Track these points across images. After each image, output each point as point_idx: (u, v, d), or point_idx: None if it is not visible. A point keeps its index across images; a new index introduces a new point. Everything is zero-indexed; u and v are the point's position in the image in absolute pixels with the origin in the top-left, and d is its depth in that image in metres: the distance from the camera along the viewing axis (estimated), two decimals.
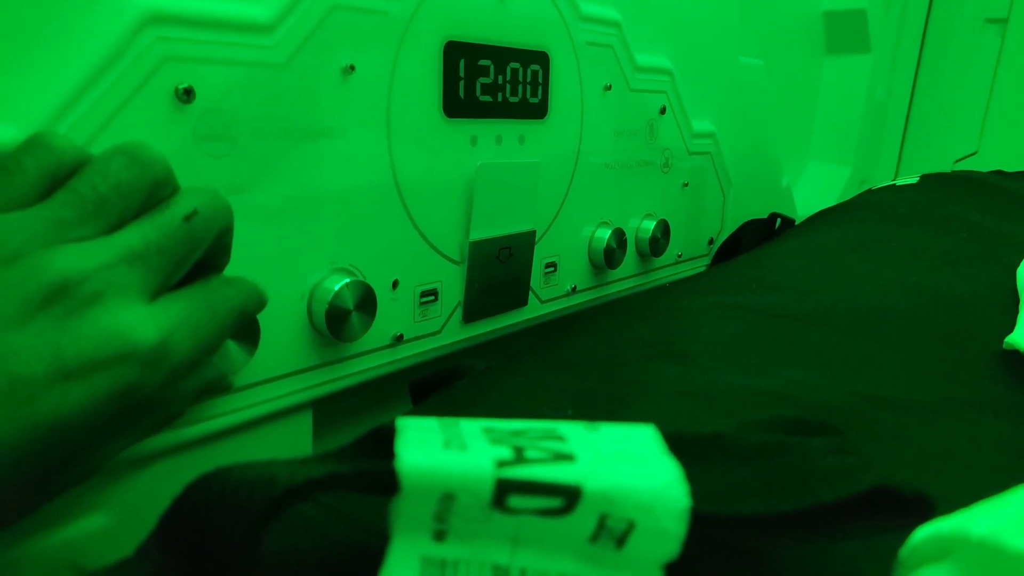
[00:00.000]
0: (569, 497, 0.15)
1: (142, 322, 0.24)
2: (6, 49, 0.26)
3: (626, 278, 0.61)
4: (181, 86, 0.30)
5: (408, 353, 0.43)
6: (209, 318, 0.27)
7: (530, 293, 0.51)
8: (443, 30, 0.41)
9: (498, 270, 0.47)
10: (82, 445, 0.24)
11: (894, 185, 0.66)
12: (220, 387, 0.33)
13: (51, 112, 0.27)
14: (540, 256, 0.51)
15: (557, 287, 0.54)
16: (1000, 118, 1.19)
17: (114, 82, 0.28)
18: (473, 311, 0.47)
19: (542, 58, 0.47)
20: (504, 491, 0.15)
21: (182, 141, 0.31)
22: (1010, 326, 0.34)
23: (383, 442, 0.17)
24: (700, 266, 0.72)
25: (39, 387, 0.22)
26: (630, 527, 0.16)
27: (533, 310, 0.52)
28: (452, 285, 0.45)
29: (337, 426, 0.44)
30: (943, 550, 0.15)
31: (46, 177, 0.24)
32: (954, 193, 0.59)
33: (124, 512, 0.33)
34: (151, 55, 0.29)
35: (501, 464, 0.16)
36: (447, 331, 0.45)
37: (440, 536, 0.16)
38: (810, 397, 0.27)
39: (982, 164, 1.20)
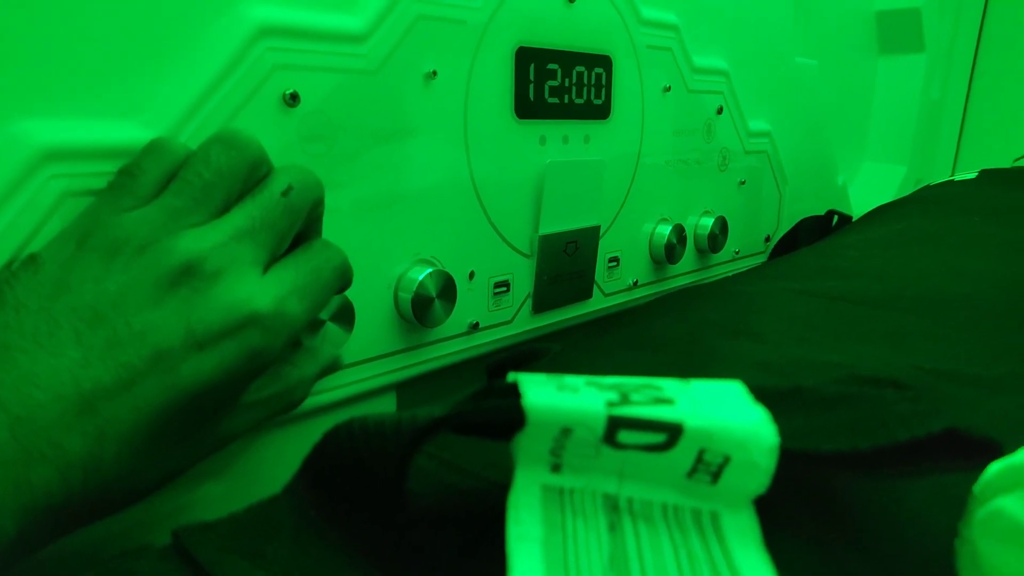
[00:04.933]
0: (672, 433, 0.18)
1: (259, 291, 0.27)
2: (137, 59, 0.30)
3: (685, 273, 0.62)
4: (288, 91, 0.33)
5: (483, 340, 0.46)
6: (315, 279, 0.29)
7: (594, 286, 0.53)
8: (515, 36, 0.43)
9: (565, 263, 0.49)
10: (219, 408, 0.27)
11: (952, 181, 0.66)
12: (333, 368, 0.35)
13: (178, 117, 0.31)
14: (603, 251, 0.53)
15: (619, 281, 0.56)
16: None
17: (231, 88, 0.32)
18: (542, 302, 0.49)
19: (605, 61, 0.50)
20: (615, 426, 0.17)
21: (288, 141, 0.34)
22: None
23: (499, 391, 0.19)
24: (757, 263, 0.73)
25: (178, 357, 0.25)
26: (725, 461, 0.18)
27: (597, 302, 0.54)
28: (522, 277, 0.47)
29: (419, 408, 0.47)
30: (1017, 481, 0.17)
31: (164, 176, 0.28)
32: (1013, 186, 0.60)
33: (233, 480, 0.36)
34: (263, 64, 0.32)
35: (611, 404, 0.18)
36: (518, 320, 0.48)
37: (556, 469, 0.18)
38: (877, 370, 0.28)
39: None
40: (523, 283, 0.48)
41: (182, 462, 0.28)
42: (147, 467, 0.25)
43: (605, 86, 0.50)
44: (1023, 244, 0.46)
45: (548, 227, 0.47)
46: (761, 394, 0.20)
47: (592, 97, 0.49)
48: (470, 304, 0.44)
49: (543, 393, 0.18)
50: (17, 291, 0.24)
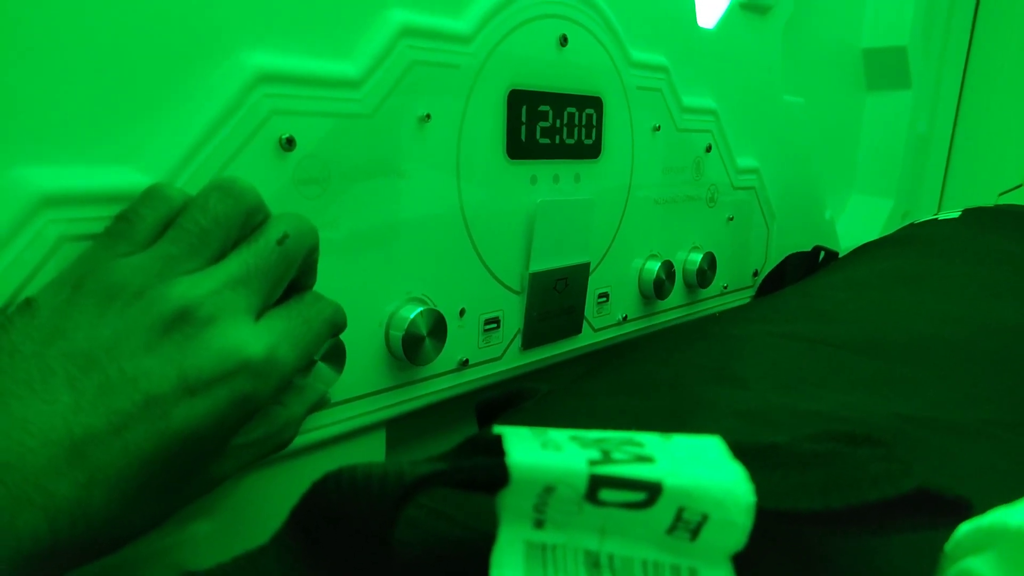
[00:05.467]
0: (652, 491, 0.18)
1: (251, 338, 0.27)
2: (135, 106, 0.30)
3: (674, 308, 0.63)
4: (284, 136, 0.34)
5: (472, 377, 0.46)
6: (306, 330, 0.30)
7: (584, 322, 0.54)
8: (507, 79, 0.44)
9: (555, 299, 0.50)
10: (209, 453, 0.27)
11: (936, 219, 0.67)
12: (321, 405, 0.36)
13: (175, 161, 0.31)
14: (593, 287, 0.54)
15: (609, 316, 0.56)
16: None
17: (228, 133, 0.32)
18: (531, 338, 0.50)
19: (596, 102, 0.51)
20: (596, 485, 0.18)
21: (283, 184, 0.35)
22: None
23: (484, 446, 0.20)
24: (745, 297, 0.74)
25: (170, 403, 0.25)
26: (704, 519, 0.18)
27: (586, 338, 0.55)
28: (512, 313, 0.48)
29: (408, 446, 0.47)
30: (985, 542, 0.18)
31: (161, 222, 0.28)
32: (996, 226, 0.61)
33: (223, 519, 0.36)
34: (260, 109, 0.33)
35: (593, 463, 0.18)
36: (508, 357, 0.48)
37: (539, 524, 0.19)
38: (857, 418, 0.29)
39: None
40: (513, 320, 0.48)
41: (170, 506, 0.28)
42: (135, 512, 0.26)
43: (596, 126, 0.51)
44: (1002, 288, 0.47)
45: (538, 264, 0.48)
46: (739, 450, 0.20)
47: (583, 137, 0.50)
48: (460, 341, 0.45)
49: (527, 450, 0.18)
50: (12, 336, 0.24)
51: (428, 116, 0.40)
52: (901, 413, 0.30)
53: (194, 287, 0.27)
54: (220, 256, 0.28)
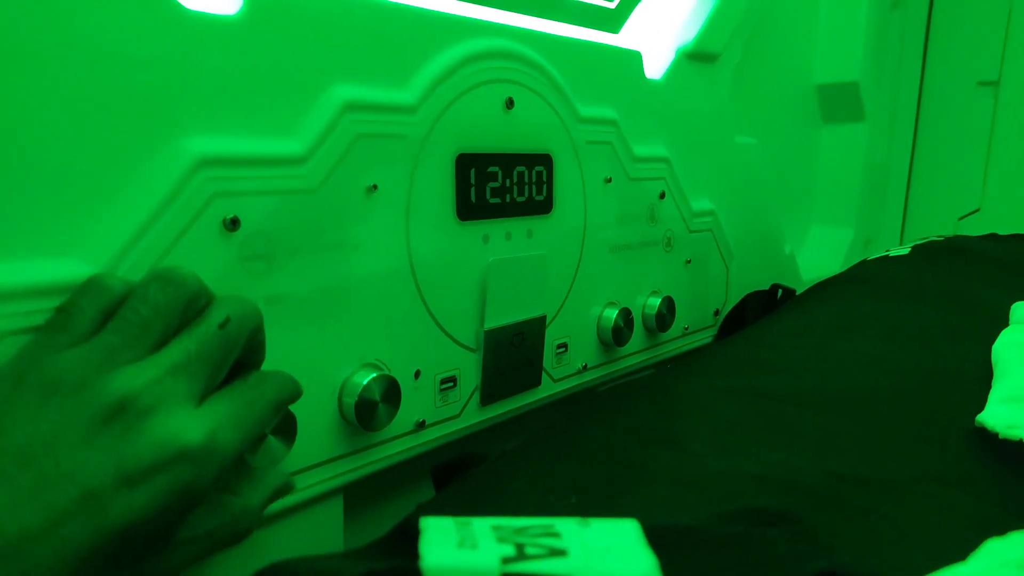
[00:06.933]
0: None
1: (189, 425, 0.27)
2: (74, 197, 0.31)
3: (635, 353, 0.64)
4: (228, 217, 0.35)
5: (430, 437, 0.47)
6: (248, 412, 0.30)
7: (543, 373, 0.55)
8: (455, 144, 0.45)
9: (512, 354, 0.51)
10: (151, 546, 0.28)
11: (887, 256, 0.69)
12: (283, 492, 0.36)
13: (116, 250, 0.32)
14: (552, 338, 0.55)
15: (569, 366, 0.57)
16: (1000, 176, 1.22)
17: (170, 219, 0.33)
18: (490, 394, 0.50)
19: (546, 160, 0.52)
20: None
21: (228, 263, 0.35)
22: (983, 403, 0.37)
23: (408, 539, 0.20)
24: (707, 337, 0.75)
25: (108, 496, 0.25)
26: None
27: (546, 389, 0.55)
28: (469, 371, 0.49)
29: (367, 508, 0.48)
30: None
31: (101, 312, 0.29)
32: (944, 263, 0.63)
33: None
34: (202, 193, 0.34)
35: (506, 560, 0.19)
36: (466, 414, 0.49)
37: None
38: (789, 480, 0.30)
39: (985, 220, 1.23)
40: (470, 377, 0.49)
41: None
42: None
43: (547, 182, 0.52)
44: (943, 330, 0.48)
45: (493, 321, 0.49)
46: (654, 535, 0.21)
47: (534, 194, 0.51)
48: (416, 403, 0.45)
49: (443, 552, 0.19)
50: None
51: (375, 187, 0.41)
52: (833, 471, 0.31)
53: (134, 377, 0.27)
54: (162, 344, 0.29)
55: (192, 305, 0.30)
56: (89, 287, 0.29)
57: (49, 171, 0.30)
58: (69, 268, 0.30)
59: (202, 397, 0.29)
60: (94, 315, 0.29)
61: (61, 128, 0.30)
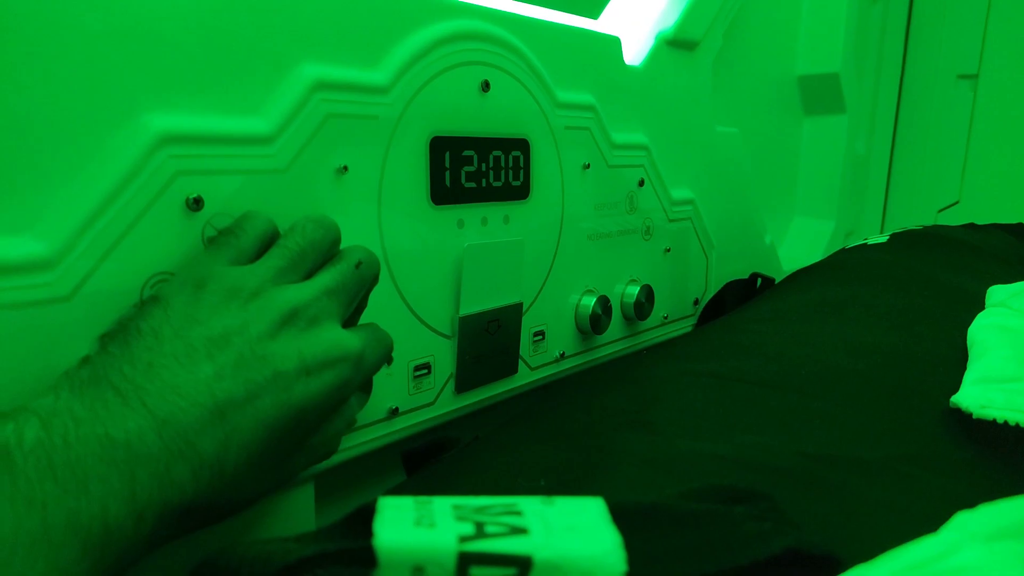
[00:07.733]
0: (522, 566, 0.18)
1: (349, 336, 0.33)
2: (33, 171, 0.30)
3: (613, 341, 0.64)
4: (191, 196, 0.34)
5: (403, 425, 0.46)
6: (380, 343, 0.37)
7: (520, 361, 0.54)
8: (429, 127, 0.45)
9: (488, 342, 0.50)
10: (308, 432, 0.32)
11: (866, 244, 0.69)
12: (350, 427, 0.39)
13: (75, 227, 0.31)
14: (528, 325, 0.54)
15: (546, 354, 0.57)
16: (979, 168, 1.23)
17: (131, 197, 0.32)
18: (465, 382, 0.49)
19: (523, 144, 0.51)
20: (466, 563, 0.18)
21: (192, 244, 0.34)
22: (958, 384, 0.37)
23: (366, 520, 0.20)
24: (687, 326, 0.75)
25: (292, 379, 0.30)
26: None
27: (523, 377, 0.55)
28: (444, 358, 0.48)
29: (338, 496, 0.47)
30: None
31: (259, 240, 0.34)
32: (921, 250, 0.62)
33: None
34: (164, 171, 0.33)
35: (463, 539, 0.18)
36: (440, 402, 0.48)
37: None
38: (760, 460, 0.29)
39: (964, 212, 1.23)
40: (445, 364, 0.48)
41: (271, 483, 0.32)
42: (254, 477, 0.30)
43: (523, 168, 0.52)
44: (920, 315, 0.48)
45: (468, 308, 0.48)
46: (620, 512, 0.20)
47: (510, 179, 0.51)
48: (389, 390, 0.45)
49: (398, 531, 0.18)
50: (151, 323, 0.29)
51: (345, 168, 0.40)
52: (806, 452, 0.31)
53: (299, 293, 0.32)
54: (311, 274, 0.34)
55: (333, 247, 0.36)
56: (248, 217, 0.34)
57: (4, 145, 0.29)
58: (24, 246, 0.29)
59: (344, 322, 0.35)
60: (255, 241, 0.34)
61: (13, 103, 0.29)
